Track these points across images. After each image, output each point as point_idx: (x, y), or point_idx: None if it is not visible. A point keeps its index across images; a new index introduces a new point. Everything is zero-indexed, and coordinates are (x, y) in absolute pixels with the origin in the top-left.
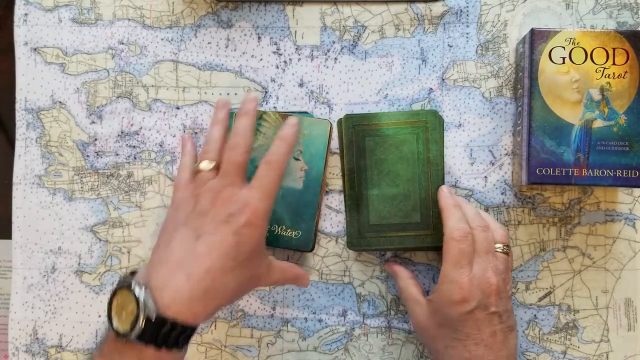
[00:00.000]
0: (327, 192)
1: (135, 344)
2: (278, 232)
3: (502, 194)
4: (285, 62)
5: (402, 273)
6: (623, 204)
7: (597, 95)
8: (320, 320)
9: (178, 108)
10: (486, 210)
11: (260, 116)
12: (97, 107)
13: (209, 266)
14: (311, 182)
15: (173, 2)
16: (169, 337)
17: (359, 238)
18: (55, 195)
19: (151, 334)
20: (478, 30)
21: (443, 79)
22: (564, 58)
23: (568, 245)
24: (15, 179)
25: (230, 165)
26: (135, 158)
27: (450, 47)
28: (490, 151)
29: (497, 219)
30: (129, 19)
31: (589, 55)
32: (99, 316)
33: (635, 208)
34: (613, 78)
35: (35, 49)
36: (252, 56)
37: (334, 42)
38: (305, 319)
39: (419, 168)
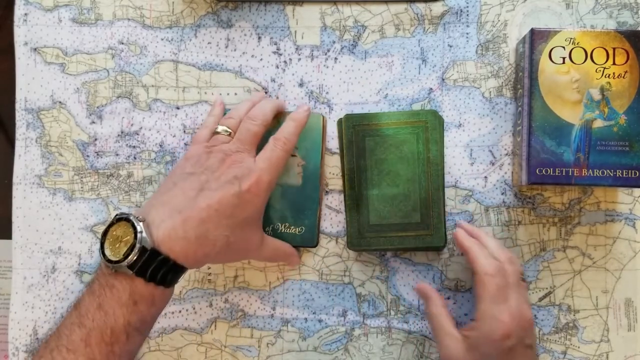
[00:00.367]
0: (327, 192)
1: (125, 275)
2: (282, 230)
3: (502, 194)
4: (285, 62)
5: (436, 300)
6: (623, 204)
7: (597, 95)
8: (320, 321)
9: (178, 108)
10: (486, 210)
11: None
12: (97, 107)
13: (205, 217)
14: (310, 177)
15: (173, 2)
16: (159, 272)
17: (359, 238)
18: (55, 195)
19: (142, 266)
20: (478, 30)
21: (443, 79)
22: (564, 58)
23: (568, 245)
24: (15, 179)
25: (245, 133)
26: (135, 158)
27: (450, 47)
28: (490, 151)
29: (497, 219)
30: (128, 19)
31: (589, 55)
32: None
33: (635, 208)
34: (613, 78)
35: (35, 49)
36: (252, 56)
37: (334, 42)
38: (305, 319)
39: (419, 168)
